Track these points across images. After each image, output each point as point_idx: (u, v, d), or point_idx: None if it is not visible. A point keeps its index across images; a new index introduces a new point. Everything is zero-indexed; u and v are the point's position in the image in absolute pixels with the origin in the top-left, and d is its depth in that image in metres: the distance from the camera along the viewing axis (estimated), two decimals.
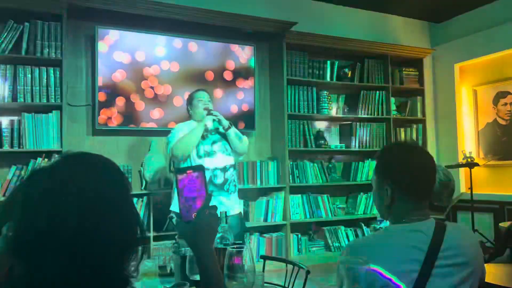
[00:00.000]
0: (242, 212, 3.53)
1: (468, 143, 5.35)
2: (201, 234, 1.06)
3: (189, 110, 3.17)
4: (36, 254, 0.67)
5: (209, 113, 3.02)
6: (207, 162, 2.96)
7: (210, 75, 4.32)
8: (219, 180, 2.99)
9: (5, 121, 3.47)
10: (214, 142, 3.04)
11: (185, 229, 1.07)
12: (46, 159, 3.46)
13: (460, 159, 4.88)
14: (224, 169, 3.01)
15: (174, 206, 3.01)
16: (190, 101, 3.18)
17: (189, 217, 1.08)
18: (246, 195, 4.48)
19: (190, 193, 1.09)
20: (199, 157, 2.98)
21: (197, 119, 3.06)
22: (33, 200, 0.70)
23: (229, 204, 2.98)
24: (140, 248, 0.81)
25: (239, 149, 3.10)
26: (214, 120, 3.02)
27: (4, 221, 0.72)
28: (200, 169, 1.12)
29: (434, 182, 1.34)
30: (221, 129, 3.08)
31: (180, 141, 2.93)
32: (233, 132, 3.06)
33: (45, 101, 3.56)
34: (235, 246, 1.31)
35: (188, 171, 1.11)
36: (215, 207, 1.10)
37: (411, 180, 1.29)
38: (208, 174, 2.94)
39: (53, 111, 3.58)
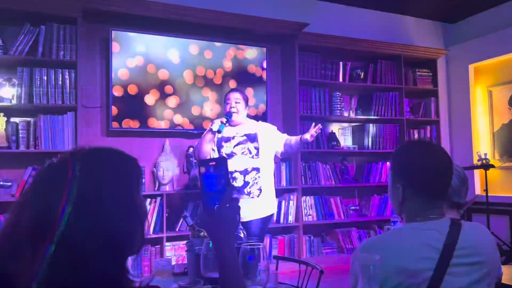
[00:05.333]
0: (275, 215, 3.46)
1: (483, 144, 5.28)
2: (222, 226, 1.06)
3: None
4: (39, 241, 0.70)
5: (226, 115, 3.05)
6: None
7: (222, 77, 4.33)
8: (237, 183, 2.99)
9: (21, 122, 3.52)
10: (238, 144, 3.04)
11: (206, 221, 1.08)
12: None
13: (475, 161, 4.82)
14: (245, 172, 3.00)
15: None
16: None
17: (210, 209, 1.09)
18: None
19: (213, 185, 1.11)
20: None
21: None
22: (40, 193, 0.74)
23: (250, 208, 2.94)
24: (139, 246, 0.83)
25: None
26: (222, 122, 2.97)
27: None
28: (223, 161, 1.14)
29: (448, 181, 1.31)
30: (250, 132, 3.08)
31: (195, 147, 3.02)
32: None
33: (60, 102, 3.61)
34: (249, 245, 1.32)
35: (210, 163, 1.13)
36: (236, 200, 1.10)
37: (421, 178, 1.28)
38: None
39: (68, 113, 3.63)
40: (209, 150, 3.02)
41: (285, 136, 3.23)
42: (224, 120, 2.98)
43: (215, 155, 3.03)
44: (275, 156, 3.23)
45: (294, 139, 3.15)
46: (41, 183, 0.77)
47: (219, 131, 2.96)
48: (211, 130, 2.98)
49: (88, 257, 0.71)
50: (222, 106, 4.28)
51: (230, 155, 3.00)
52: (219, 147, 3.05)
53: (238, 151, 3.02)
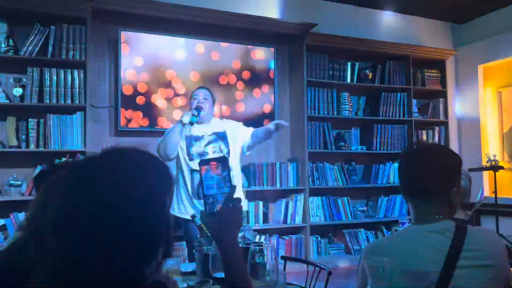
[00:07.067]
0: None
1: (492, 145, 5.24)
2: (225, 226, 1.06)
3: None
4: (63, 235, 0.70)
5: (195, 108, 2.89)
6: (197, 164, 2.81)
7: (230, 77, 4.35)
8: None
9: (31, 122, 3.55)
10: (209, 143, 2.92)
11: (209, 221, 1.08)
12: (70, 159, 3.53)
13: (484, 162, 4.78)
14: None
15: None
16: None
17: (213, 209, 1.09)
18: (266, 197, 4.49)
19: (213, 187, 1.10)
20: (191, 159, 2.88)
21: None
22: (71, 188, 0.74)
23: None
24: (162, 248, 0.82)
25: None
26: (193, 115, 2.82)
27: (48, 199, 0.75)
28: (224, 160, 1.12)
29: (440, 183, 1.29)
30: (218, 130, 2.96)
31: (160, 141, 2.86)
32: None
33: (69, 102, 3.64)
34: (257, 245, 1.32)
35: (211, 163, 1.12)
36: (239, 199, 1.09)
37: (409, 183, 1.32)
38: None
39: (77, 112, 3.66)
40: (177, 144, 2.87)
41: (251, 129, 3.09)
42: (196, 113, 2.84)
43: (184, 153, 2.89)
44: (242, 153, 3.07)
45: (261, 129, 3.05)
46: (68, 181, 0.77)
47: (191, 123, 2.81)
48: (181, 122, 2.83)
49: (111, 257, 0.71)
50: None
51: (202, 155, 2.88)
52: (189, 145, 2.91)
53: (210, 150, 2.90)
